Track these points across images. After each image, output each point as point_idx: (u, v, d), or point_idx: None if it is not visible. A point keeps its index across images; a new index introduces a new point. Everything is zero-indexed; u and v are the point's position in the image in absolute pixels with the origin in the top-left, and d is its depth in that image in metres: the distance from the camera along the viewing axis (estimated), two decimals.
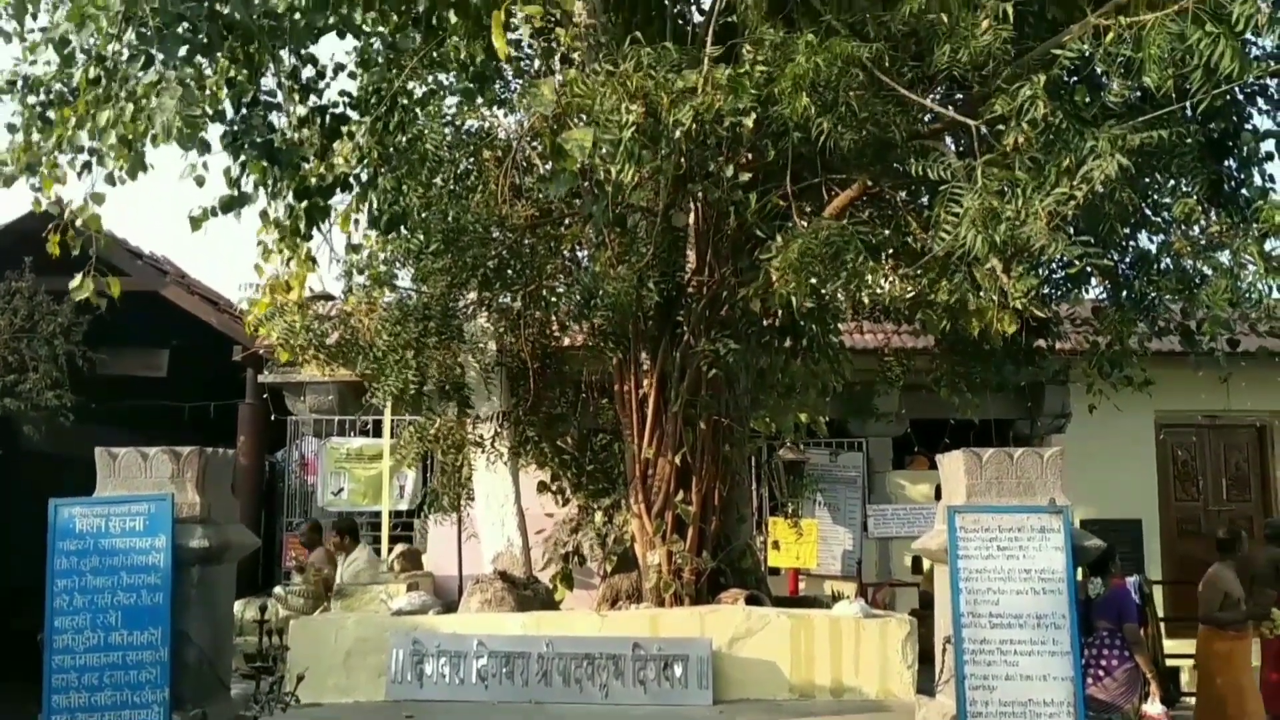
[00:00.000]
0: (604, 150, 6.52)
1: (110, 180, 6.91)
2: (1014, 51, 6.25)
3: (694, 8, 9.47)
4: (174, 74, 6.16)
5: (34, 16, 6.79)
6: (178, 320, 13.46)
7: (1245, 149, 8.21)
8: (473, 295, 9.20)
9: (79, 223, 7.39)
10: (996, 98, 5.98)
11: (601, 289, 7.81)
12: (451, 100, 9.11)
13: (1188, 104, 6.43)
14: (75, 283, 7.70)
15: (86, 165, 6.97)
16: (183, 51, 6.27)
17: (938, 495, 9.58)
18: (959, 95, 7.76)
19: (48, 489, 6.40)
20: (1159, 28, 5.49)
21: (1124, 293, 8.24)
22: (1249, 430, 14.62)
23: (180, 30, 6.22)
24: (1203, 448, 14.66)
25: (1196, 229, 7.79)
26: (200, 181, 7.35)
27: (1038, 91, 5.67)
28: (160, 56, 6.26)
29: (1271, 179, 8.28)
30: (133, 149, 6.65)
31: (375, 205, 8.08)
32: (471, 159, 8.95)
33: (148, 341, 13.77)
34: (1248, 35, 5.66)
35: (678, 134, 6.33)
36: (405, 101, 8.06)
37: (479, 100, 8.97)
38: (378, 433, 12.82)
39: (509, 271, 8.90)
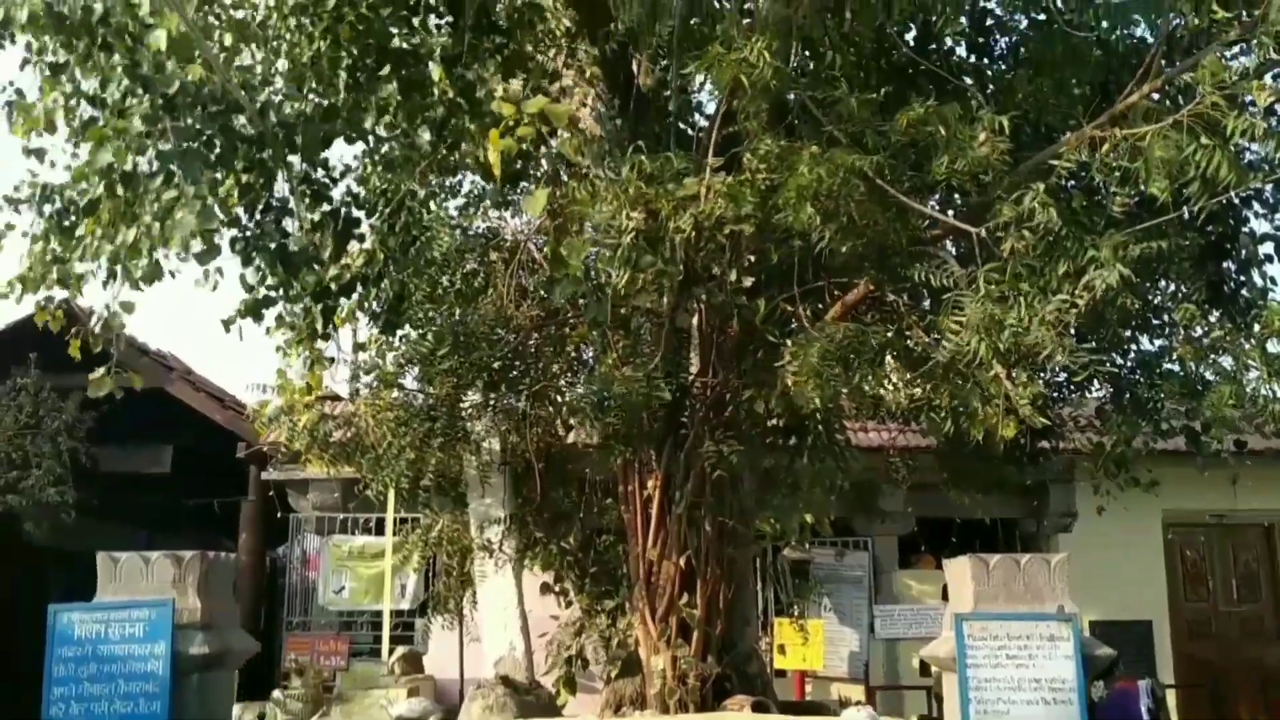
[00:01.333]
0: (604, 255, 6.62)
1: (135, 286, 7.02)
2: (1011, 161, 6.35)
3: (698, 114, 9.66)
4: (192, 189, 6.28)
5: (50, 131, 6.94)
6: (182, 416, 13.50)
7: (1244, 251, 8.33)
8: (477, 396, 9.23)
9: (99, 328, 7.49)
10: (998, 205, 6.06)
11: (612, 391, 7.84)
12: (458, 201, 9.29)
13: (1186, 210, 6.52)
14: (95, 376, 7.76)
15: (112, 274, 7.08)
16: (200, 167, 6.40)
17: (945, 595, 9.48)
18: (959, 200, 7.88)
19: (49, 584, 6.38)
20: (1158, 138, 5.60)
21: (1127, 395, 8.26)
22: (1257, 529, 14.52)
23: (198, 145, 6.35)
24: (1211, 547, 14.55)
25: (1199, 330, 7.85)
26: (215, 287, 7.50)
27: (1040, 199, 5.75)
28: (179, 173, 6.38)
29: (1272, 281, 8.38)
30: (152, 258, 6.76)
31: (380, 305, 8.18)
32: (479, 261, 9.06)
33: (152, 437, 13.79)
34: (1243, 143, 5.76)
35: (678, 240, 6.41)
36: (413, 203, 8.20)
37: (485, 202, 9.14)
38: (380, 531, 12.76)
39: (514, 372, 8.94)
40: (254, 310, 7.80)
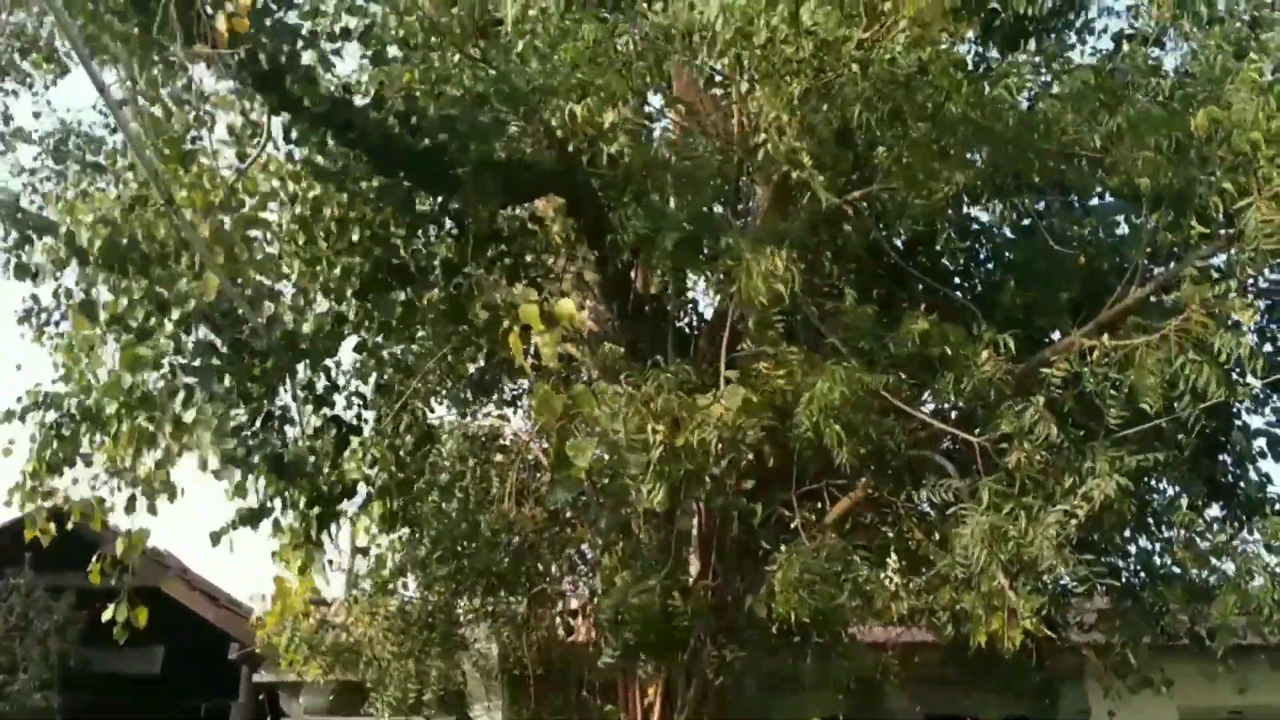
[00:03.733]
0: (615, 460, 6.69)
1: (152, 510, 7.08)
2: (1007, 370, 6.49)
3: (696, 316, 9.86)
4: (210, 406, 6.42)
5: (86, 355, 7.13)
6: (175, 615, 13.27)
7: (1238, 446, 8.41)
8: (476, 600, 9.13)
9: (119, 552, 7.52)
10: (998, 417, 6.17)
11: (627, 604, 7.78)
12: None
13: (1179, 413, 6.62)
14: (109, 613, 7.82)
15: (131, 499, 7.17)
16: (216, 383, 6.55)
17: None
18: (955, 402, 8.01)
19: None
20: (1149, 353, 5.76)
21: (1130, 600, 8.21)
22: None
23: (212, 360, 6.52)
24: None
25: (1199, 528, 7.86)
26: (246, 495, 7.57)
27: (1040, 413, 5.86)
28: (198, 391, 6.54)
29: (1268, 477, 8.43)
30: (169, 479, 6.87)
31: (384, 508, 8.20)
32: (482, 464, 9.12)
33: (143, 637, 13.51)
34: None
35: (699, 451, 6.50)
36: (417, 404, 8.32)
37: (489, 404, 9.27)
38: None
39: (515, 576, 8.88)
40: (250, 520, 7.84)
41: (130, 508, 7.25)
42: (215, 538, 7.79)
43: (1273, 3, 7.24)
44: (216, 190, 7.22)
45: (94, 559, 7.80)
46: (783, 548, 7.03)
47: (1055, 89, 8.39)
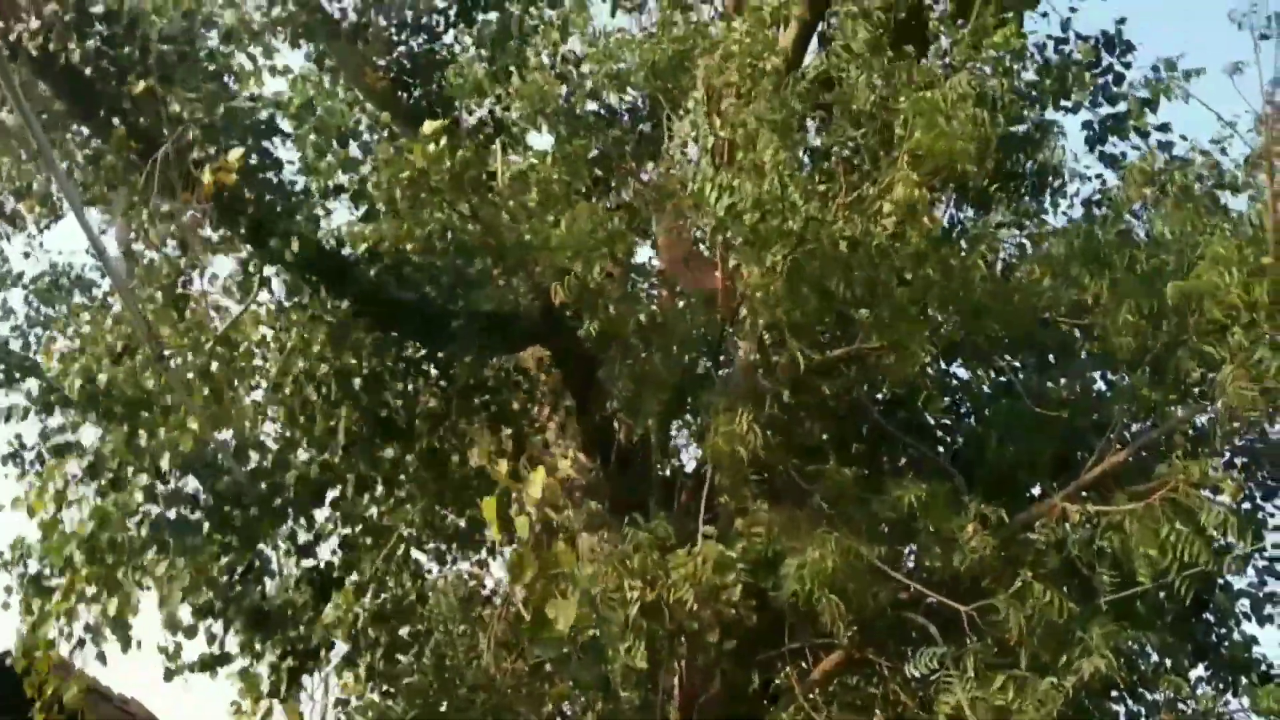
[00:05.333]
0: (596, 618, 6.64)
1: (101, 659, 6.93)
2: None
3: (678, 467, 9.88)
4: (183, 561, 6.36)
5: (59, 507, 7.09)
6: None
7: (1221, 608, 8.40)
8: None
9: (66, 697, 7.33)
10: (985, 582, 6.18)
11: None
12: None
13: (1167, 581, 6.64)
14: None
15: (80, 642, 7.01)
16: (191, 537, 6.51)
17: None
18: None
19: None
20: (1136, 521, 5.82)
21: None
22: None
23: (190, 513, 6.49)
24: None
25: (1185, 690, 7.79)
26: (190, 633, 7.43)
27: (1028, 583, 5.88)
28: (172, 543, 6.49)
29: (1254, 639, 8.41)
30: (129, 629, 6.74)
31: (364, 661, 8.06)
32: (464, 618, 8.98)
33: None
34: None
35: (676, 608, 6.46)
36: (399, 555, 8.25)
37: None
38: None
39: None
40: (211, 665, 7.69)
41: (79, 647, 7.09)
42: (170, 674, 7.61)
43: (1234, 178, 7.53)
44: (206, 340, 7.29)
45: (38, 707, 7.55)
46: (767, 708, 6.92)
47: (1031, 251, 8.69)
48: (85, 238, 7.83)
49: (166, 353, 7.00)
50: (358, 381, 7.89)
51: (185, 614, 7.10)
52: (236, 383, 7.67)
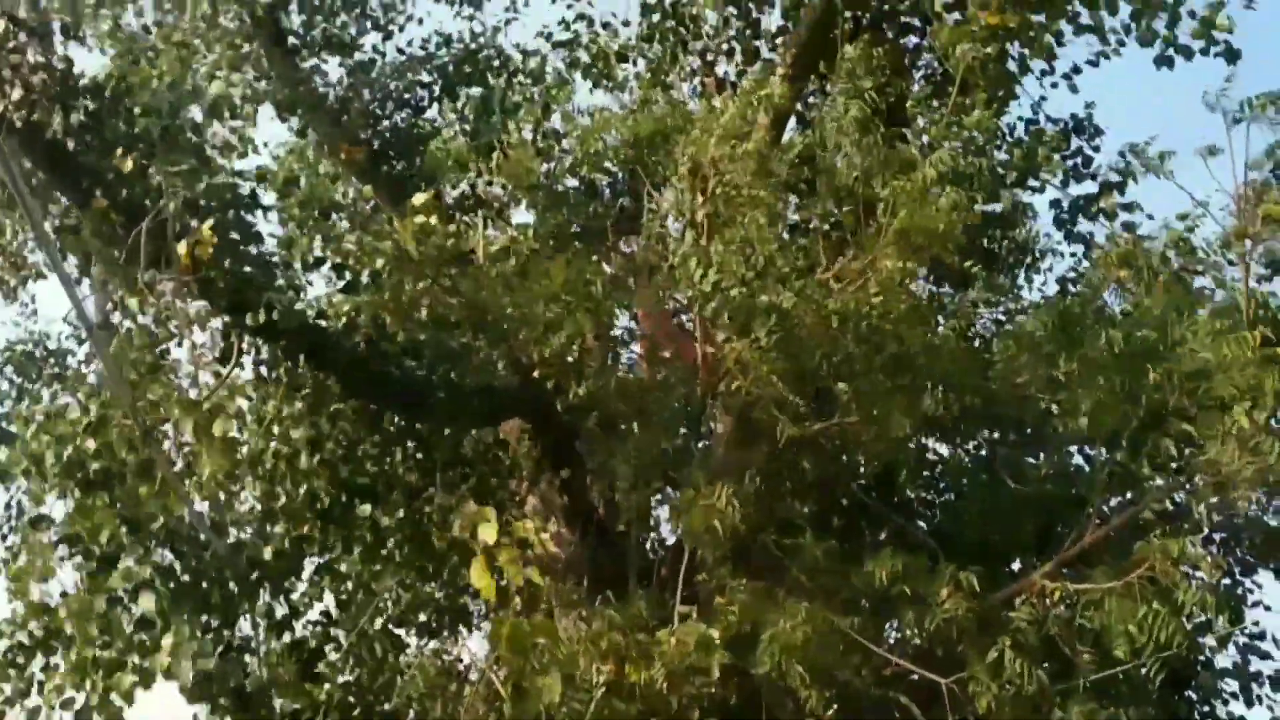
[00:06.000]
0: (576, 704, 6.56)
1: None
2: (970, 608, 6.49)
3: (657, 540, 9.83)
4: (187, 629, 6.29)
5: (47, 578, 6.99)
6: None
7: (1203, 688, 8.37)
8: None
9: None
10: (965, 656, 6.15)
11: None
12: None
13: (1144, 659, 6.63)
14: None
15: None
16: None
17: None
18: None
19: None
20: (1116, 602, 5.82)
21: None
22: None
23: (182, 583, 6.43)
24: None
25: None
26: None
27: (1007, 656, 5.85)
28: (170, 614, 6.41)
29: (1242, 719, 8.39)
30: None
31: None
32: (444, 694, 8.84)
33: None
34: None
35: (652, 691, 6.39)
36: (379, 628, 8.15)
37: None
38: None
39: None
40: None
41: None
42: None
43: (1205, 261, 7.67)
44: (186, 411, 7.22)
45: None
46: None
47: (1008, 327, 8.79)
48: (65, 306, 7.77)
49: (146, 422, 6.93)
50: (336, 453, 7.83)
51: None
52: (216, 454, 7.58)
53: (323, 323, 7.92)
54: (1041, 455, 8.68)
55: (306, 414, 7.80)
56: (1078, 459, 8.72)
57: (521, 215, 10.22)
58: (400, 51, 11.82)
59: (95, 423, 7.23)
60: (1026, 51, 7.81)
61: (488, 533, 7.50)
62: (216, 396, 7.25)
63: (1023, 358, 7.12)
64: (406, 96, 11.41)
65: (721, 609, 6.74)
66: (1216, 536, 8.31)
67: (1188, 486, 7.10)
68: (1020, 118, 9.21)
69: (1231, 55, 7.33)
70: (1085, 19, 7.91)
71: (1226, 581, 8.34)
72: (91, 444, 7.28)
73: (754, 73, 9.60)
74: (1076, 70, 8.49)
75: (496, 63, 11.32)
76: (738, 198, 6.80)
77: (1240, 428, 5.97)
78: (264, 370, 8.09)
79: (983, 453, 8.80)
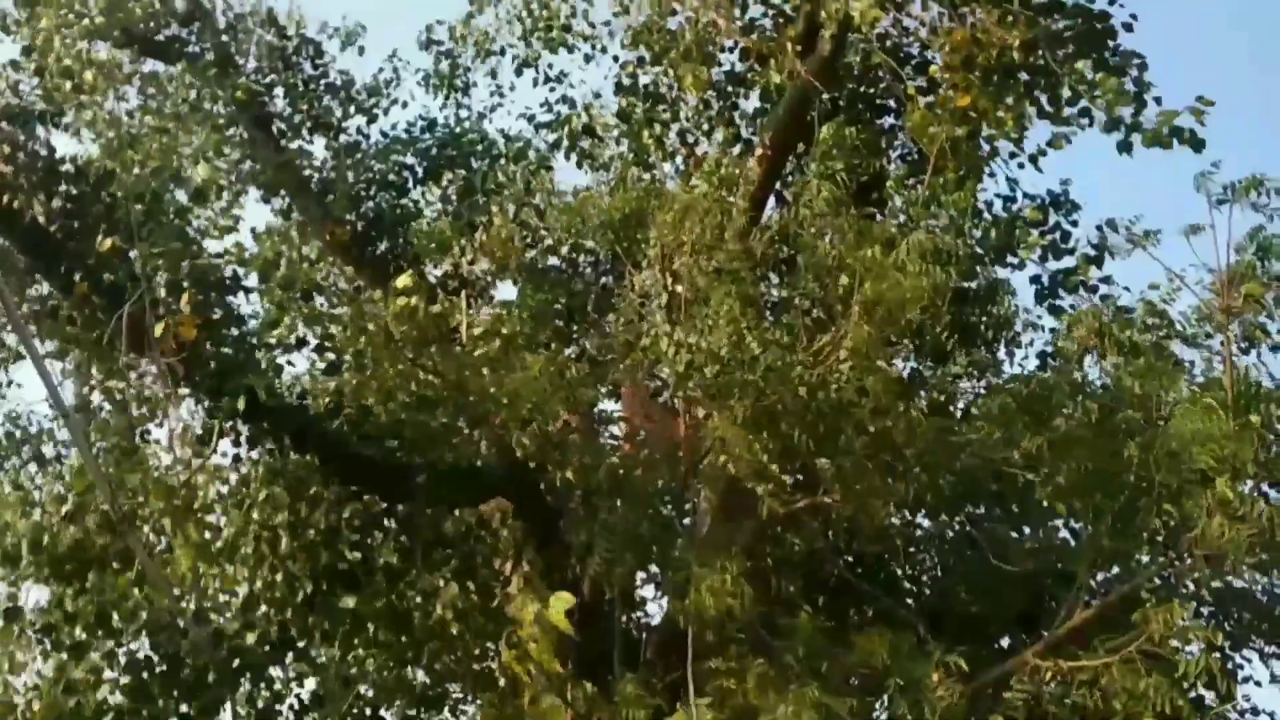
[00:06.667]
0: None
1: None
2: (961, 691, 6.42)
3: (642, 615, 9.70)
4: None
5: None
6: None
7: None
8: None
9: None
10: None
11: None
12: None
13: None
14: None
15: None
16: None
17: None
18: None
19: None
20: (1110, 674, 5.76)
21: None
22: None
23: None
24: None
25: None
26: None
27: None
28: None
29: None
30: None
31: None
32: None
33: None
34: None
35: None
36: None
37: None
38: None
39: None
40: None
41: None
42: None
43: (1184, 333, 7.73)
44: (162, 497, 7.15)
45: None
46: None
47: (986, 402, 8.80)
48: (42, 391, 7.70)
49: (123, 509, 6.85)
50: (316, 536, 7.73)
51: None
52: (193, 542, 7.49)
53: (304, 403, 7.89)
54: (1026, 530, 8.66)
55: (287, 497, 7.72)
56: (1064, 532, 8.70)
57: (505, 288, 10.29)
58: (384, 134, 11.94)
59: (73, 509, 7.13)
60: (995, 132, 7.93)
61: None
62: (195, 480, 7.18)
63: (997, 433, 7.13)
64: (391, 178, 11.50)
65: (724, 694, 6.64)
66: (1204, 611, 8.28)
67: (1177, 562, 7.09)
68: (997, 194, 9.34)
69: (1196, 144, 7.44)
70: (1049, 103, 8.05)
71: (1216, 656, 8.28)
72: (71, 529, 7.19)
73: (733, 153, 9.73)
74: (1042, 152, 8.62)
75: (480, 145, 11.42)
76: (713, 278, 6.84)
77: (1225, 500, 5.98)
78: (244, 452, 8.03)
79: (967, 528, 8.75)
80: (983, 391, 9.09)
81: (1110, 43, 7.88)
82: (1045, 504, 8.17)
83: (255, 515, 7.46)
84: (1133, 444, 6.35)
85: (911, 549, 8.95)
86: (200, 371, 7.11)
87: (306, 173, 11.31)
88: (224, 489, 7.78)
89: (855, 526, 7.68)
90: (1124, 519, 6.92)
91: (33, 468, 10.79)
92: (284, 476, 7.75)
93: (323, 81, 11.82)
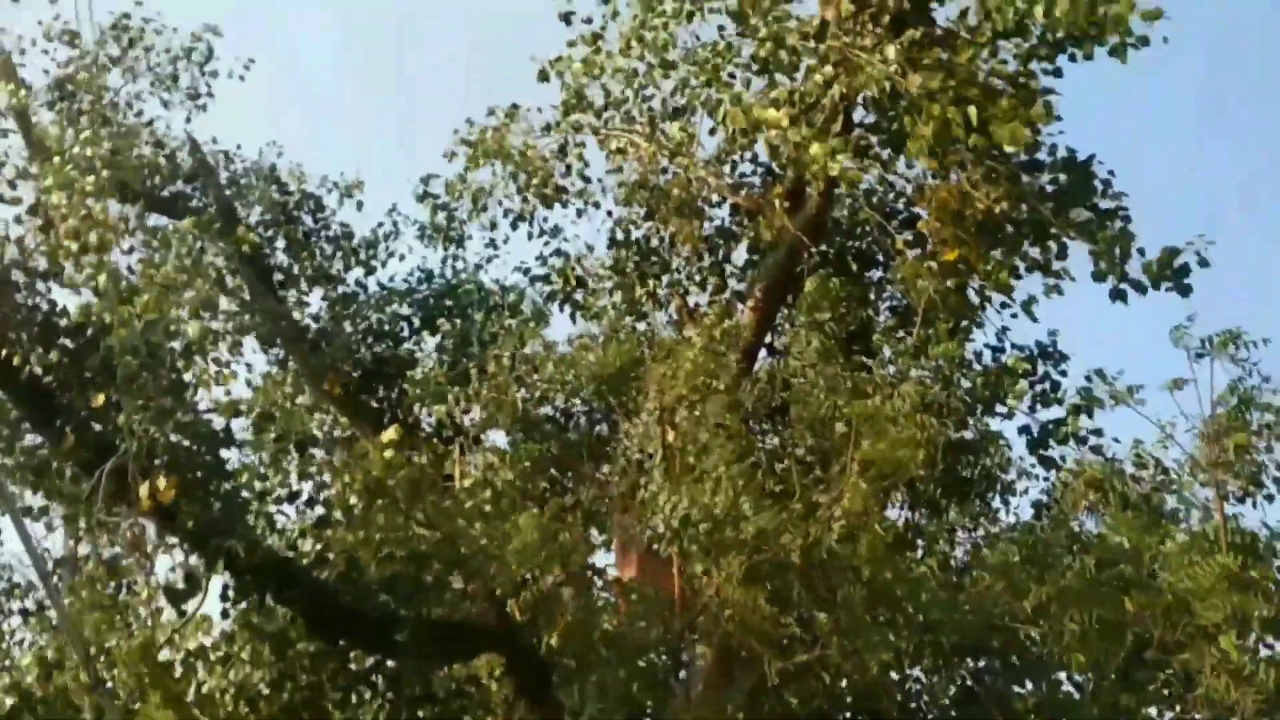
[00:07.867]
0: None
1: None
2: None
3: None
4: None
5: None
6: None
7: None
8: None
9: None
10: None
11: None
12: None
13: None
14: None
15: None
16: None
17: None
18: None
19: None
20: None
21: None
22: None
23: None
24: None
25: None
26: None
27: None
28: None
29: None
30: None
31: None
32: None
33: None
34: None
35: None
36: None
37: None
38: None
39: None
40: None
41: None
42: None
43: (1174, 483, 7.71)
44: (137, 657, 6.98)
45: None
46: None
47: (984, 552, 8.70)
48: (20, 545, 7.56)
49: (99, 672, 6.69)
50: (297, 695, 7.54)
51: None
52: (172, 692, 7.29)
53: (291, 555, 7.79)
54: (1029, 684, 8.44)
55: (270, 654, 7.55)
56: (1067, 686, 8.48)
57: (499, 436, 10.26)
58: (382, 286, 12.09)
59: (48, 669, 6.98)
60: (984, 284, 8.03)
61: None
62: (176, 638, 7.04)
63: (997, 587, 7.03)
64: (387, 328, 11.60)
65: None
66: None
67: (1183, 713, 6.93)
68: (986, 345, 9.40)
69: (1184, 290, 7.50)
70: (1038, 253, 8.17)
71: None
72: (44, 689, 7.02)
73: (723, 302, 9.87)
74: (1034, 300, 8.71)
75: (476, 297, 11.55)
76: (706, 432, 6.85)
77: (1231, 660, 5.87)
78: (230, 607, 7.88)
79: (968, 683, 8.52)
80: (980, 542, 8.99)
81: (1096, 186, 8.04)
82: (1048, 657, 8.05)
83: (232, 675, 7.28)
84: (1130, 597, 6.25)
85: (912, 704, 8.70)
86: (184, 529, 7.04)
87: (303, 324, 11.41)
88: (207, 641, 7.63)
89: (854, 681, 7.49)
90: (1128, 674, 6.77)
91: (15, 620, 10.59)
92: (266, 634, 7.60)
93: (323, 234, 12.02)
